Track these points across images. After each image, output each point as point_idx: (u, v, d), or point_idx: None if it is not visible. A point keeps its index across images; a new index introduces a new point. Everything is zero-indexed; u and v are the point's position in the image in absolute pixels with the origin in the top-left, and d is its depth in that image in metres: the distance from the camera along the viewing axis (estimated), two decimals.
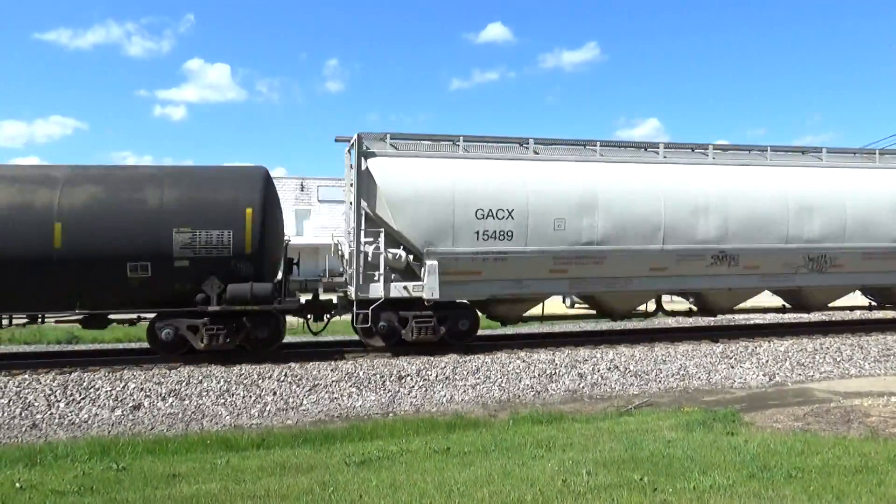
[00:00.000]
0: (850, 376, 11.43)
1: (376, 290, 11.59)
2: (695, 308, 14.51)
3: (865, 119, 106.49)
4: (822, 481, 5.39)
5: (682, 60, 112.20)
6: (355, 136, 11.76)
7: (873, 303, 15.87)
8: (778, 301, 15.29)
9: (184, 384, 9.82)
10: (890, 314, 16.94)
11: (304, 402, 9.63)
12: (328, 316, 12.36)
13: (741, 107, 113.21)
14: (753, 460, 6.01)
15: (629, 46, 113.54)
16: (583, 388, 10.53)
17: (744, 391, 10.41)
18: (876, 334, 14.00)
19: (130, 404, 9.27)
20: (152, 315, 11.10)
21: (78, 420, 8.84)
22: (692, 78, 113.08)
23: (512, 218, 11.76)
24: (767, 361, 11.95)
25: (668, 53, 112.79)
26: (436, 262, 11.47)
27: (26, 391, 9.39)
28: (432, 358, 11.42)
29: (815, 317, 17.05)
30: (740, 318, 16.79)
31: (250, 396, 9.64)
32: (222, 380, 10.00)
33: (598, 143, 12.98)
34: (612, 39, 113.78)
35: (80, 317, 11.03)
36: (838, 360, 12.22)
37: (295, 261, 12.54)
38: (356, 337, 12.79)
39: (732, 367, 11.61)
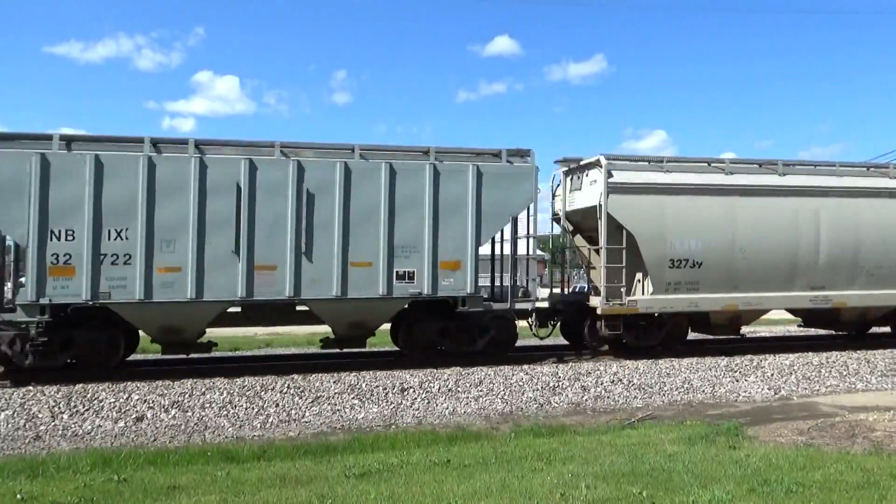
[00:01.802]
0: (856, 390, 11.34)
1: None
2: None
3: (873, 130, 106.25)
4: (822, 496, 5.36)
5: (689, 73, 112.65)
6: None
7: None
8: None
9: (187, 396, 9.85)
10: None
11: (307, 413, 9.64)
12: None
13: (749, 118, 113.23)
14: (754, 475, 5.97)
15: (636, 59, 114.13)
16: (586, 400, 10.49)
17: (748, 405, 10.34)
18: (883, 349, 13.90)
19: (133, 416, 9.30)
20: None
21: (81, 432, 8.87)
22: (700, 90, 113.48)
23: None
24: (773, 375, 11.89)
25: (676, 66, 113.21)
26: None
27: (31, 402, 9.44)
28: (435, 370, 11.42)
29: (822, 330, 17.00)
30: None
31: (253, 408, 9.66)
32: (225, 391, 10.03)
33: None
34: (619, 52, 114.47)
35: None
36: (844, 374, 12.14)
37: None
38: None
39: (737, 381, 11.55)
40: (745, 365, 12.34)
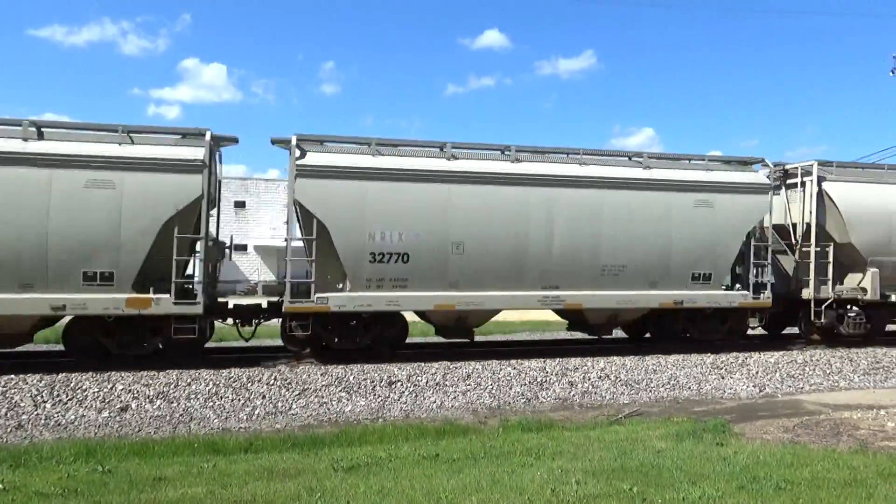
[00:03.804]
0: (839, 389, 11.45)
1: None
2: None
3: (858, 132, 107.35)
4: (811, 494, 5.39)
5: (678, 71, 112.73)
6: None
7: None
8: None
9: (172, 386, 9.75)
10: None
11: (294, 406, 9.57)
12: None
13: (735, 118, 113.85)
14: (743, 472, 6.00)
15: (626, 56, 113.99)
16: (573, 396, 10.51)
17: (734, 402, 10.41)
18: (865, 347, 14.05)
19: (118, 406, 9.19)
20: None
21: (64, 421, 8.75)
22: (688, 88, 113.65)
23: None
24: (758, 373, 11.97)
25: (665, 64, 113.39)
26: None
27: (12, 391, 9.30)
28: (423, 364, 11.39)
29: None
30: None
31: (239, 400, 9.58)
32: (211, 383, 9.94)
33: None
34: (608, 48, 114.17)
35: None
36: (828, 372, 12.25)
37: None
38: None
39: (723, 378, 11.62)
40: (731, 362, 12.41)
